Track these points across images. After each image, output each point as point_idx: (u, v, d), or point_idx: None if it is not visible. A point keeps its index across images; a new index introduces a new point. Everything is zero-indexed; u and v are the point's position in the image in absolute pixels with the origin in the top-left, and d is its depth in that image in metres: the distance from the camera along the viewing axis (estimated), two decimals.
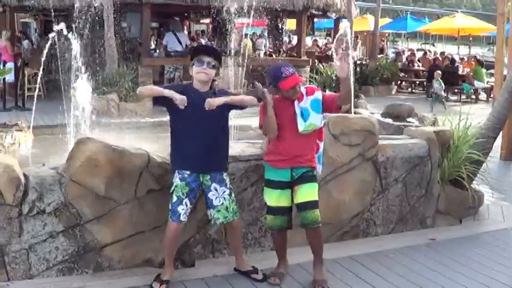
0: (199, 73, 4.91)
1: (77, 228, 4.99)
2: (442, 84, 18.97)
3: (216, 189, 4.94)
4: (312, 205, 4.97)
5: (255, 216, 5.71)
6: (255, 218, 5.72)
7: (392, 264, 5.73)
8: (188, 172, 4.90)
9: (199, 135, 4.85)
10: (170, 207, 4.88)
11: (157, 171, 5.18)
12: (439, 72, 19.53)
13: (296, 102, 5.01)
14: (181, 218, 4.87)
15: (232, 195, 5.04)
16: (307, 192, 4.98)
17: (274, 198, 5.07)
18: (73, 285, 4.89)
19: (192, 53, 5.10)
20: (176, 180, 4.90)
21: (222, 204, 4.96)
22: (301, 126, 4.96)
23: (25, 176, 4.88)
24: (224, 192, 4.96)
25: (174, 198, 4.88)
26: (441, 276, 5.49)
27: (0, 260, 4.82)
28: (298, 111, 4.98)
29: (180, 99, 4.73)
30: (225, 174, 5.03)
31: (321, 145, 5.34)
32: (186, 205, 4.88)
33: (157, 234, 5.15)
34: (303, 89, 5.07)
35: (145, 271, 5.18)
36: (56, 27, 7.96)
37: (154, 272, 5.06)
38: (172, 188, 4.90)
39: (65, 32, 8.03)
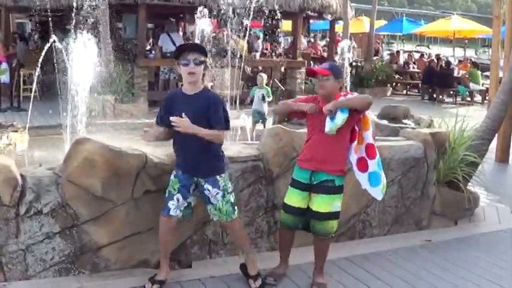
0: (188, 75, 4.77)
1: (73, 229, 4.99)
2: (270, 93, 11.39)
3: (209, 190, 4.87)
4: (324, 216, 4.94)
5: (252, 217, 5.72)
6: (252, 219, 5.72)
7: (389, 265, 5.74)
8: (181, 172, 4.90)
9: (188, 141, 4.74)
10: (164, 202, 4.93)
11: (155, 172, 5.17)
12: (262, 75, 11.84)
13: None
14: (171, 213, 4.86)
15: (227, 196, 4.91)
16: (322, 203, 4.93)
17: (289, 196, 5.09)
18: (70, 286, 4.89)
19: (177, 53, 4.90)
20: (171, 177, 4.94)
21: (215, 204, 4.91)
22: (328, 126, 4.83)
23: (22, 176, 4.87)
24: (217, 193, 4.87)
25: (167, 194, 4.91)
26: (437, 277, 5.52)
27: None
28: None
29: (179, 124, 4.65)
30: (219, 176, 4.89)
31: (372, 164, 5.06)
32: (178, 200, 4.86)
33: (154, 235, 5.14)
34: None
35: (141, 272, 5.17)
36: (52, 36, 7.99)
37: (150, 273, 5.06)
38: (168, 184, 4.94)
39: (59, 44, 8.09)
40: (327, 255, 5.17)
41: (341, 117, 4.80)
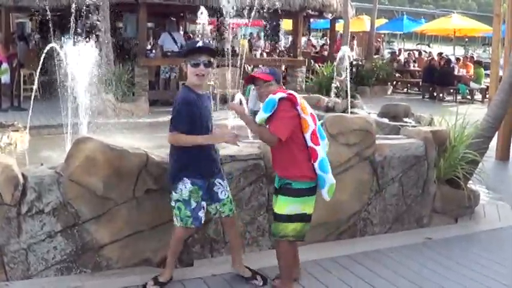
0: (196, 76, 4.74)
1: (75, 228, 5.00)
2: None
3: (220, 183, 4.95)
4: (276, 217, 4.86)
5: (253, 215, 5.73)
6: (253, 218, 5.73)
7: (390, 262, 5.75)
8: (200, 179, 4.84)
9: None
10: (190, 214, 4.79)
11: (156, 171, 5.19)
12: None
13: None
14: (202, 222, 4.94)
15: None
16: (277, 204, 4.85)
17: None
18: (71, 285, 4.90)
19: (186, 52, 4.88)
20: (188, 187, 4.78)
21: (228, 196, 5.00)
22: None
23: (23, 175, 4.88)
24: (226, 187, 5.02)
25: (193, 204, 4.79)
26: (438, 275, 5.52)
27: None
28: None
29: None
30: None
31: (319, 150, 4.75)
32: (204, 208, 4.90)
33: (156, 234, 5.17)
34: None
35: (143, 270, 5.19)
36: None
37: (152, 272, 5.08)
38: (188, 195, 4.78)
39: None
40: (285, 263, 4.94)
41: (261, 116, 4.71)
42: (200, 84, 4.81)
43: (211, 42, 16.83)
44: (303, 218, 4.82)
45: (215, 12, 14.30)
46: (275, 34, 22.77)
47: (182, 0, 15.56)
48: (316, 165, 4.76)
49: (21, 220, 4.84)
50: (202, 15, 12.76)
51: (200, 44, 4.87)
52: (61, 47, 8.39)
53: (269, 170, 5.70)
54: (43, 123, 11.42)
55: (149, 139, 9.33)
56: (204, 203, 4.87)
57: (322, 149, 4.79)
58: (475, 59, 24.84)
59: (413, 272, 5.55)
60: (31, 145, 8.80)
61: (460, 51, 35.99)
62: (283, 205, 4.79)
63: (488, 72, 16.12)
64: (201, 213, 4.87)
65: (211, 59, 4.83)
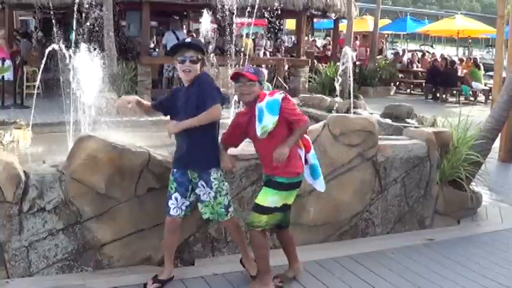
0: (183, 72, 4.78)
1: (77, 226, 5.00)
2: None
3: (203, 186, 4.83)
4: (253, 206, 4.82)
5: None
6: None
7: (391, 263, 5.74)
8: (175, 169, 4.90)
9: (182, 132, 4.74)
10: (166, 203, 4.92)
11: (158, 170, 5.18)
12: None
13: (257, 103, 4.75)
14: (172, 212, 4.85)
15: (219, 198, 4.86)
16: (259, 194, 4.83)
17: None
18: (73, 283, 4.90)
19: (173, 50, 4.89)
20: (170, 176, 4.94)
21: (206, 201, 4.88)
22: (258, 129, 4.72)
23: (25, 173, 4.88)
24: (209, 193, 4.84)
25: (167, 194, 4.91)
26: (440, 276, 5.51)
27: (0, 257, 4.82)
28: (256, 113, 4.73)
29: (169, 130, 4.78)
30: (213, 175, 4.82)
31: (309, 157, 4.92)
32: (176, 200, 4.85)
33: (157, 233, 5.15)
34: (266, 91, 4.85)
35: (145, 269, 5.18)
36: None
37: (154, 270, 5.06)
38: (169, 185, 4.94)
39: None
40: (260, 254, 4.89)
41: (270, 120, 4.65)
42: (188, 79, 4.79)
43: (214, 41, 16.82)
44: (280, 209, 4.80)
45: (218, 11, 14.26)
46: (278, 34, 22.72)
47: None
48: (310, 155, 4.88)
49: (23, 218, 4.84)
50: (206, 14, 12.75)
51: (187, 40, 4.89)
52: (64, 45, 8.37)
53: None
54: (45, 120, 11.39)
55: (151, 138, 9.31)
56: (177, 195, 4.85)
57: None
58: (474, 59, 24.80)
59: (414, 273, 5.54)
60: (33, 143, 8.78)
61: (463, 53, 35.95)
62: (265, 196, 4.76)
63: (491, 73, 16.12)
64: (171, 203, 4.86)
65: (199, 56, 4.78)
